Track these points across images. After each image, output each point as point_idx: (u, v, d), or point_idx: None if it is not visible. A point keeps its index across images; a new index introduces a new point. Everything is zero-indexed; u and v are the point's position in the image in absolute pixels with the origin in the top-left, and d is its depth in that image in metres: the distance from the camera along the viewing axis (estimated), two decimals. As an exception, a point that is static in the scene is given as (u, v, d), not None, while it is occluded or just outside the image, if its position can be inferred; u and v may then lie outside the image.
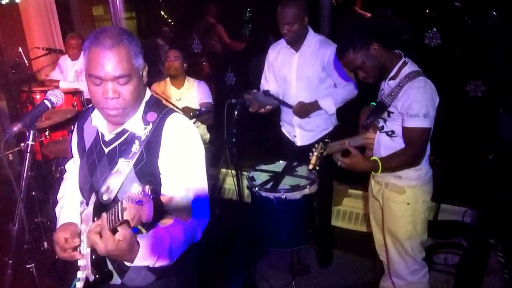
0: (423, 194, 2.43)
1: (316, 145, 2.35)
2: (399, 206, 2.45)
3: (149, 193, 1.20)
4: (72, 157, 1.85)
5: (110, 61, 1.42)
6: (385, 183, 2.50)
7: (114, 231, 1.27)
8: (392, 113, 2.34)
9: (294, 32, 3.07)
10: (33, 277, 2.04)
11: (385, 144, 2.43)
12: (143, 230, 1.54)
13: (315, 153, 2.31)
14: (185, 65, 3.83)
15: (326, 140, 2.32)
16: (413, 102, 2.19)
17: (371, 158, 2.32)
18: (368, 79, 2.36)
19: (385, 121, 2.41)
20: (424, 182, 2.42)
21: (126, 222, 1.22)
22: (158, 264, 1.43)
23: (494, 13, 3.64)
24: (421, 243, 2.51)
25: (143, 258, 1.37)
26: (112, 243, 1.26)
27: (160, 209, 1.58)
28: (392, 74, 2.34)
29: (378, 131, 2.49)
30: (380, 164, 2.26)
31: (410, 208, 2.42)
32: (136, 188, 1.21)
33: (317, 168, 2.31)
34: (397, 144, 2.37)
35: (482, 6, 3.71)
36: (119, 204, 1.21)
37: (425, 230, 2.52)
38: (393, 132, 2.38)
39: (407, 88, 2.24)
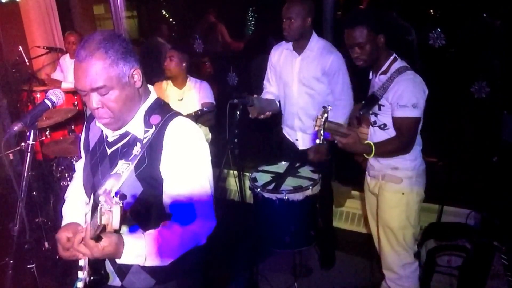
0: (417, 185, 2.53)
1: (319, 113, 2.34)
2: (395, 195, 2.54)
3: (117, 199, 1.18)
4: (81, 156, 1.85)
5: (83, 74, 1.42)
6: (382, 175, 2.58)
7: (98, 237, 1.28)
8: (383, 105, 2.43)
9: (293, 29, 3.05)
10: (34, 277, 2.02)
11: (379, 137, 2.51)
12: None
13: (319, 117, 2.28)
14: (183, 64, 3.77)
15: (328, 106, 2.30)
16: (403, 92, 2.31)
17: (365, 142, 2.40)
18: (359, 61, 2.44)
19: (376, 115, 2.50)
20: (419, 173, 2.53)
21: (104, 227, 1.22)
22: (148, 264, 1.44)
23: (484, 15, 3.64)
24: (413, 235, 2.60)
25: (130, 258, 1.39)
26: (97, 250, 1.29)
27: (155, 213, 1.59)
28: (383, 69, 2.45)
29: (371, 126, 2.57)
30: (373, 147, 2.34)
31: (405, 197, 2.51)
32: (111, 193, 1.20)
33: (322, 132, 2.29)
34: (390, 136, 2.47)
35: (478, 7, 3.70)
36: (99, 209, 1.21)
37: (418, 222, 2.62)
38: (385, 125, 2.48)
39: (397, 81, 2.35)
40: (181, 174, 1.55)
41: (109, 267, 1.64)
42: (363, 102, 2.60)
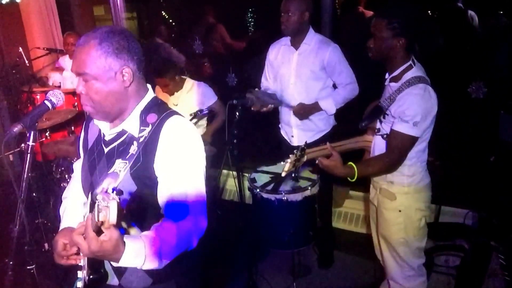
0: (416, 202, 2.37)
1: (295, 151, 2.23)
2: (391, 212, 2.41)
3: (114, 195, 1.17)
4: (80, 156, 1.85)
5: (75, 58, 1.50)
6: (379, 188, 2.47)
7: (99, 232, 1.25)
8: (387, 115, 2.31)
9: (291, 22, 3.07)
10: (33, 278, 2.03)
11: (380, 146, 2.39)
12: (130, 231, 1.55)
13: (289, 160, 2.20)
14: (176, 78, 3.69)
15: (303, 146, 2.23)
16: (408, 108, 2.16)
17: (348, 163, 2.22)
18: (369, 51, 2.32)
19: (381, 122, 2.38)
20: (418, 189, 2.37)
21: (102, 223, 1.20)
22: (146, 266, 1.40)
23: (501, 12, 3.64)
24: (417, 249, 2.44)
25: (129, 259, 1.33)
26: (95, 244, 1.23)
27: (151, 212, 1.59)
28: (395, 74, 2.29)
29: (375, 134, 2.45)
30: (356, 170, 2.19)
31: (402, 215, 2.37)
32: (108, 190, 1.19)
33: (294, 175, 2.24)
34: None
35: (487, 5, 3.71)
36: (96, 206, 1.19)
37: (422, 236, 2.44)
38: (387, 135, 2.33)
39: (405, 93, 2.19)
40: (175, 174, 1.54)
41: (107, 265, 1.63)
42: (368, 112, 2.49)
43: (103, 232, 1.24)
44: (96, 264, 1.58)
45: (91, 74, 1.47)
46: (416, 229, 2.39)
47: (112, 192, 1.17)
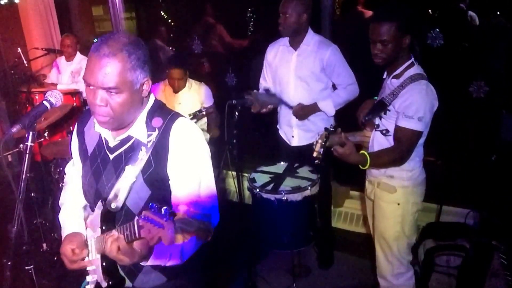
0: (414, 195, 2.45)
1: (319, 134, 2.25)
2: (389, 205, 2.48)
3: (169, 216, 1.16)
4: (72, 158, 1.83)
5: (100, 70, 1.39)
6: (377, 183, 2.52)
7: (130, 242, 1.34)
8: (389, 111, 2.35)
9: (288, 23, 3.08)
10: (32, 279, 2.03)
11: (379, 142, 2.45)
12: None
13: (319, 141, 2.20)
14: (187, 74, 3.78)
15: (331, 128, 2.23)
16: (412, 103, 2.21)
17: (361, 152, 2.28)
18: (378, 58, 2.31)
19: (380, 118, 2.42)
20: (416, 184, 2.44)
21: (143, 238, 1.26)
22: (170, 263, 1.49)
23: (498, 13, 3.64)
24: (408, 245, 2.54)
25: (156, 258, 1.46)
26: (138, 255, 1.36)
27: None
28: (397, 72, 2.34)
29: (374, 129, 2.50)
30: (368, 158, 2.24)
31: (400, 208, 2.44)
32: (153, 209, 1.17)
33: (320, 157, 2.23)
34: (391, 143, 2.39)
35: (487, 5, 3.71)
36: (135, 221, 1.23)
37: (414, 232, 2.56)
38: (387, 130, 2.40)
39: (408, 89, 2.25)
40: (189, 174, 1.57)
41: (119, 270, 1.66)
42: (372, 105, 2.51)
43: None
44: (112, 270, 1.61)
45: (120, 88, 1.42)
46: (411, 223, 2.49)
47: (165, 213, 1.16)
